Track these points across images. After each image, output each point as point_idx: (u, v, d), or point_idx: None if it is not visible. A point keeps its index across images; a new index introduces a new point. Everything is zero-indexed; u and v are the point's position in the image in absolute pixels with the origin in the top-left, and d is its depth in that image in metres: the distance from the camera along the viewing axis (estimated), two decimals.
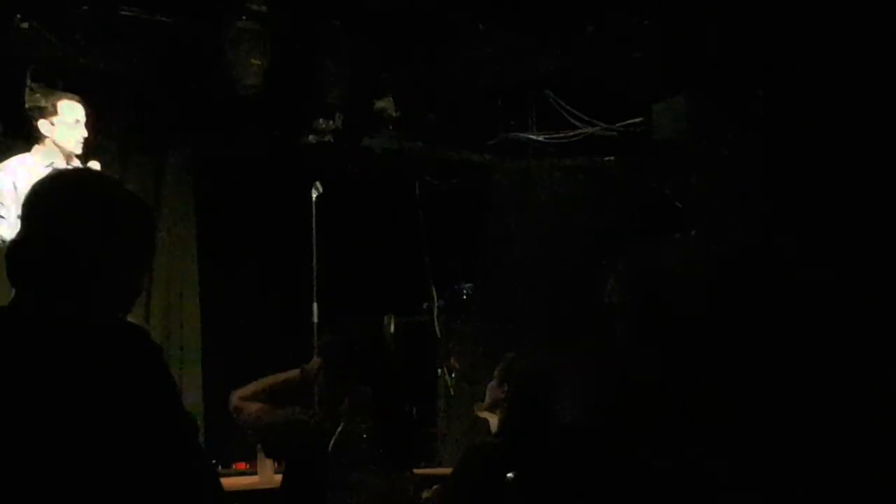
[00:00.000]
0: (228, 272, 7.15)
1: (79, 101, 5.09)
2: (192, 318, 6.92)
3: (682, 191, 6.22)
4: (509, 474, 3.48)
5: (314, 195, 6.33)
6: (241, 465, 6.10)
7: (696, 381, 1.60)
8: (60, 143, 5.03)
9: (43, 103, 5.06)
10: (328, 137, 6.83)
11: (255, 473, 5.56)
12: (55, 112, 5.02)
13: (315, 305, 6.23)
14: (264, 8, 6.00)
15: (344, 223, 7.20)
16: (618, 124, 6.85)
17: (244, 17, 5.97)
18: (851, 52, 4.66)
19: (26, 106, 5.82)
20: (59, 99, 5.06)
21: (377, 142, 7.19)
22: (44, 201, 1.91)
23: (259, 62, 6.03)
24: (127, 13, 5.92)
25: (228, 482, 4.90)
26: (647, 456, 1.59)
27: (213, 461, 5.86)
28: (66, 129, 5.02)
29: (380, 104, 6.80)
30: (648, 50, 5.99)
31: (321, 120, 6.75)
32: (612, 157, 7.09)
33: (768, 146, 5.11)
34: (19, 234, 1.91)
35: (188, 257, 6.94)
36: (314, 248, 6.28)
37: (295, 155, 7.01)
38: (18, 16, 5.62)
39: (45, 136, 5.03)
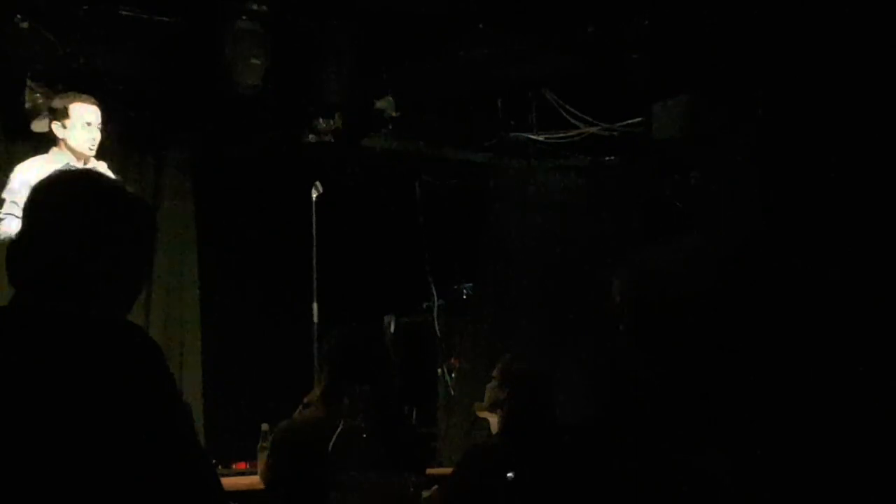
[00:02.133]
0: (228, 272, 7.15)
1: (92, 103, 5.12)
2: (192, 318, 6.92)
3: (682, 191, 6.22)
4: (509, 474, 3.48)
5: (314, 195, 6.33)
6: (241, 465, 6.10)
7: (697, 381, 1.60)
8: (72, 146, 5.07)
9: (56, 105, 5.10)
10: (328, 137, 6.82)
11: (255, 473, 5.56)
12: (67, 115, 5.06)
13: (315, 305, 6.22)
14: (264, 8, 6.00)
15: (344, 223, 7.19)
16: (618, 124, 6.85)
17: (244, 17, 5.97)
18: (851, 50, 4.66)
19: (26, 105, 5.85)
20: (72, 101, 5.09)
21: (377, 142, 7.19)
22: (45, 201, 1.92)
23: (259, 62, 6.02)
24: (127, 13, 5.92)
25: (228, 482, 4.90)
26: (647, 456, 1.59)
27: (213, 461, 5.86)
28: (77, 131, 5.06)
29: (380, 104, 6.79)
30: (648, 50, 5.98)
31: (321, 120, 6.74)
32: (612, 157, 7.09)
33: (768, 146, 5.11)
34: (20, 233, 1.91)
35: (188, 257, 6.94)
36: (314, 248, 6.27)
37: (295, 155, 7.01)
38: (18, 16, 5.62)
39: (60, 139, 5.07)
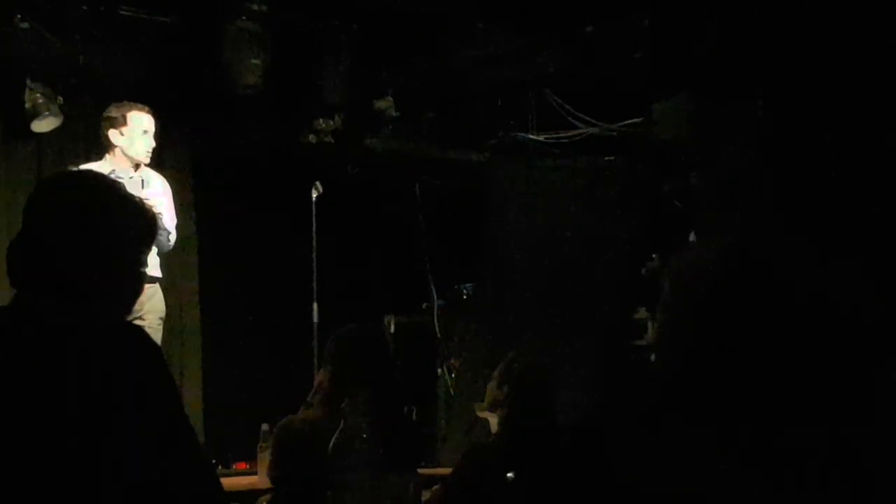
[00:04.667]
0: (228, 272, 7.15)
1: (148, 112, 5.28)
2: (192, 318, 6.92)
3: (682, 191, 6.22)
4: (509, 474, 3.48)
5: (314, 195, 6.33)
6: (241, 465, 6.10)
7: (702, 379, 1.61)
8: (129, 153, 5.22)
9: (114, 114, 5.24)
10: (328, 137, 6.82)
11: (255, 473, 5.56)
12: (125, 122, 5.21)
13: (315, 305, 6.23)
14: (264, 8, 6.00)
15: (344, 223, 7.19)
16: (618, 124, 6.85)
17: (244, 17, 5.97)
18: (850, 50, 4.66)
19: (26, 105, 5.86)
20: (129, 110, 5.24)
21: (377, 142, 7.19)
22: (45, 202, 1.92)
23: (259, 62, 6.03)
24: (127, 13, 5.92)
25: (228, 482, 4.90)
26: (649, 456, 1.59)
27: (213, 461, 5.86)
28: (135, 139, 5.21)
29: (380, 104, 6.79)
30: (648, 50, 5.98)
31: (321, 120, 6.74)
32: (612, 157, 7.08)
33: (768, 146, 5.11)
34: (20, 233, 1.91)
35: (188, 257, 6.93)
36: (314, 248, 6.28)
37: (295, 155, 7.01)
38: (18, 16, 5.62)
39: (115, 146, 5.21)
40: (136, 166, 5.26)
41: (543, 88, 6.97)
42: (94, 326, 1.80)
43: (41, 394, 1.71)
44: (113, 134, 5.20)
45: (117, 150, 5.22)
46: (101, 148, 5.32)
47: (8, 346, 1.78)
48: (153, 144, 5.27)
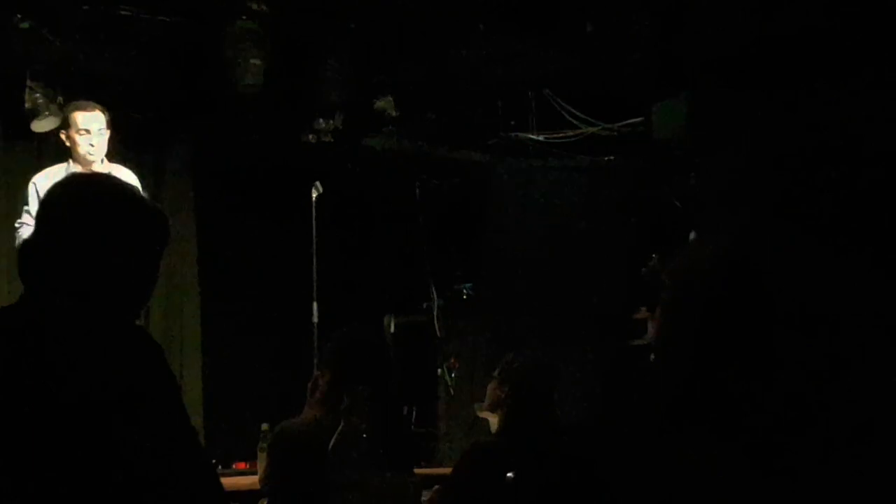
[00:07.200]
0: (228, 272, 7.15)
1: (92, 110, 5.21)
2: (192, 318, 6.92)
3: (681, 191, 6.22)
4: (509, 474, 3.48)
5: (314, 195, 6.33)
6: (241, 465, 6.11)
7: (702, 379, 1.61)
8: (75, 154, 5.18)
9: (65, 115, 5.24)
10: (328, 137, 6.82)
11: (255, 473, 5.56)
12: (69, 124, 5.18)
13: (315, 305, 6.23)
14: (264, 8, 6.00)
15: (344, 223, 7.20)
16: (618, 124, 6.85)
17: (244, 17, 5.97)
18: (851, 49, 4.66)
19: (26, 105, 5.87)
20: (72, 111, 5.20)
21: (377, 142, 7.19)
22: (57, 203, 1.94)
23: (259, 62, 6.03)
24: (127, 13, 5.92)
25: (228, 482, 4.90)
26: (647, 456, 1.59)
27: (213, 461, 5.86)
28: (76, 139, 5.15)
29: (380, 104, 6.79)
30: (648, 50, 5.98)
31: (321, 120, 6.74)
32: (612, 157, 7.09)
33: (767, 146, 5.11)
34: (33, 233, 1.94)
35: (188, 257, 6.94)
36: (314, 248, 6.28)
37: (295, 155, 7.01)
38: (18, 16, 5.62)
39: (69, 148, 5.19)
40: (87, 167, 5.17)
41: (543, 88, 6.97)
42: (98, 326, 1.81)
43: (44, 392, 1.72)
44: (64, 136, 5.19)
45: (72, 152, 5.19)
46: (48, 142, 5.37)
47: (13, 343, 1.78)
48: (96, 143, 5.15)
